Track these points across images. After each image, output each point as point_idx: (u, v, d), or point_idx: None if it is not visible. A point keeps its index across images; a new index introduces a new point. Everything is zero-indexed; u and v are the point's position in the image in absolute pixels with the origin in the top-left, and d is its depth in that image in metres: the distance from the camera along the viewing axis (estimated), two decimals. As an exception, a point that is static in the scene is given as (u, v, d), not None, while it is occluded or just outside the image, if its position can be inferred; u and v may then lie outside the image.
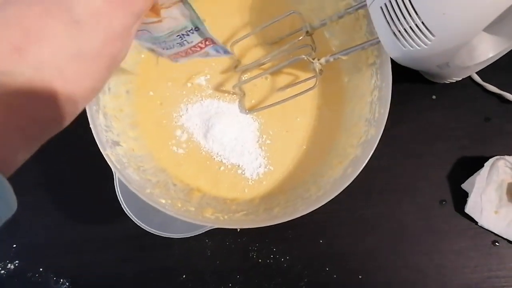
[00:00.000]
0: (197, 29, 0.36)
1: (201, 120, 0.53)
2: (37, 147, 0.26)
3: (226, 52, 0.39)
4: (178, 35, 0.36)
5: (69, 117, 0.26)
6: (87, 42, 0.25)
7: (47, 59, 0.24)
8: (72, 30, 0.24)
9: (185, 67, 0.55)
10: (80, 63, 0.25)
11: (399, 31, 0.41)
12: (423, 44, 0.40)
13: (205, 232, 0.50)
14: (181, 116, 0.54)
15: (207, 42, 0.38)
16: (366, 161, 0.45)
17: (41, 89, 0.24)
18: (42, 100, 0.24)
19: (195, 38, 0.37)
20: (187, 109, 0.54)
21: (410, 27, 0.40)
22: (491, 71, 0.54)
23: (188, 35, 0.36)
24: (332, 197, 0.44)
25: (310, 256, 0.55)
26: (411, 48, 0.41)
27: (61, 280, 0.54)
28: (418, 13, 0.38)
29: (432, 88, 0.58)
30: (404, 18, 0.39)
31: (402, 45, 0.42)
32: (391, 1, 0.39)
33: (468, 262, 0.55)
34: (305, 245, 0.55)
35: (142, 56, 0.54)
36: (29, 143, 0.25)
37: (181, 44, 0.38)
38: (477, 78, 0.58)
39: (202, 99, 0.54)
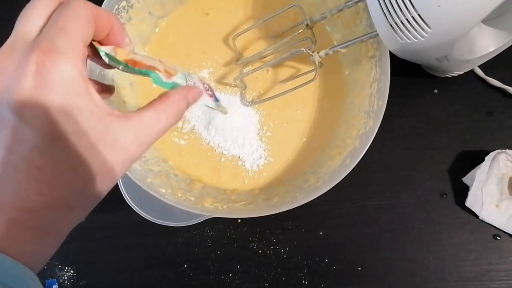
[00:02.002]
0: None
1: (203, 112, 0.54)
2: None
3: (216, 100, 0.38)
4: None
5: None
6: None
7: None
8: None
9: (188, 60, 0.56)
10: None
11: (396, 23, 0.41)
12: (420, 37, 0.41)
13: (206, 222, 0.51)
14: (183, 107, 0.54)
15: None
16: (364, 152, 0.45)
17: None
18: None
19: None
20: (189, 101, 0.54)
21: (407, 19, 0.40)
22: (494, 65, 0.54)
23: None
24: (330, 187, 0.45)
25: (310, 247, 0.55)
26: (409, 41, 0.42)
27: (66, 268, 0.55)
28: (414, 5, 0.39)
29: (434, 82, 0.58)
30: (401, 10, 0.40)
31: (400, 37, 0.42)
32: (388, -6, 0.40)
33: (468, 255, 0.55)
34: (305, 236, 0.55)
35: (146, 49, 0.56)
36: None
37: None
38: (479, 72, 0.58)
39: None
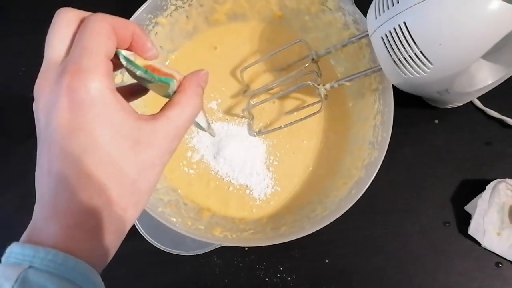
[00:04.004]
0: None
1: (212, 142, 0.56)
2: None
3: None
4: None
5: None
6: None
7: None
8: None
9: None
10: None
11: (399, 59, 0.43)
12: (422, 72, 0.43)
13: (214, 250, 0.52)
14: (192, 138, 0.56)
15: None
16: (370, 182, 0.47)
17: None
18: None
19: None
20: (198, 131, 0.56)
21: (410, 56, 0.42)
22: (492, 97, 0.56)
23: None
24: (337, 216, 0.46)
25: (316, 275, 0.56)
26: (411, 76, 0.44)
27: (75, 296, 0.55)
28: (416, 43, 0.41)
29: (434, 112, 0.60)
30: (404, 47, 0.42)
31: (403, 72, 0.44)
32: (391, 32, 0.42)
33: (472, 283, 0.55)
34: (312, 264, 0.56)
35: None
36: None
37: None
38: (478, 103, 0.60)
39: (212, 122, 0.57)
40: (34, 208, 0.27)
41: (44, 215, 0.26)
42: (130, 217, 0.29)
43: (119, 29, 0.29)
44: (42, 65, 0.28)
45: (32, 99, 0.28)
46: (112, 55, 0.28)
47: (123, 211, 0.28)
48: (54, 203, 0.26)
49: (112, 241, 0.28)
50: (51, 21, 0.29)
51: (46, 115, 0.27)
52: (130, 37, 0.30)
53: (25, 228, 0.28)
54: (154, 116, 0.29)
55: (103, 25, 0.28)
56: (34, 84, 0.28)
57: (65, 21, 0.28)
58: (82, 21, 0.28)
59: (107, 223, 0.27)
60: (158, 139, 0.28)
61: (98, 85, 0.26)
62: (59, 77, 0.26)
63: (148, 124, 0.28)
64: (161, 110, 0.30)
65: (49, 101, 0.27)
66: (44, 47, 0.29)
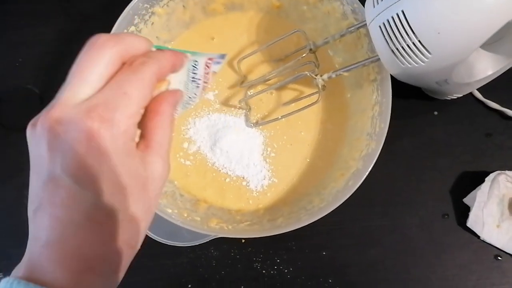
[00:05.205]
0: (196, 62, 0.35)
1: (208, 133, 0.55)
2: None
3: (222, 57, 0.37)
4: (192, 80, 0.35)
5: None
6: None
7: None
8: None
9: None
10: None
11: (397, 49, 0.42)
12: (420, 62, 0.42)
13: (211, 242, 0.52)
14: (189, 129, 0.56)
15: (208, 63, 0.36)
16: (367, 174, 0.46)
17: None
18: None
19: (200, 69, 0.36)
20: (194, 122, 0.56)
21: (408, 45, 0.41)
22: (492, 88, 0.55)
23: (195, 73, 0.35)
24: (334, 208, 0.46)
25: (314, 267, 0.56)
26: (409, 65, 0.43)
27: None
28: (414, 32, 0.40)
29: (433, 104, 0.59)
30: (402, 36, 0.41)
31: (401, 62, 0.43)
32: (389, 20, 0.41)
33: (470, 275, 0.55)
34: (309, 256, 0.56)
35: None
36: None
37: (197, 85, 0.36)
38: (478, 95, 0.59)
39: (209, 113, 0.56)
40: (29, 243, 0.26)
41: (48, 257, 0.25)
42: (136, 251, 0.29)
43: (164, 69, 0.29)
44: (65, 91, 0.25)
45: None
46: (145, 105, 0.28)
47: (132, 250, 0.28)
48: (61, 247, 0.25)
49: (121, 275, 0.29)
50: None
51: (52, 152, 0.24)
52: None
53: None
54: (147, 146, 0.28)
55: (151, 77, 0.27)
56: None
57: (105, 59, 0.26)
58: (125, 63, 0.27)
59: (118, 265, 0.27)
60: (155, 169, 0.28)
61: (125, 137, 0.25)
62: (84, 116, 0.24)
63: (149, 157, 0.28)
64: (144, 137, 0.29)
65: (62, 139, 0.24)
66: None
